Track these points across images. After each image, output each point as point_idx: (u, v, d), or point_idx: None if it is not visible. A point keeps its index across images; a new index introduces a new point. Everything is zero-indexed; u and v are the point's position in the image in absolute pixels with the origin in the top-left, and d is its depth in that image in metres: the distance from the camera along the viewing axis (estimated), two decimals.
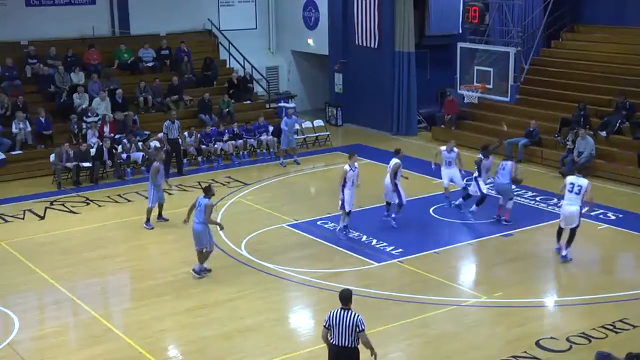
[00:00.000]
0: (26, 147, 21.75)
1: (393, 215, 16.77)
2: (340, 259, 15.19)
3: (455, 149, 17.97)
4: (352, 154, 16.44)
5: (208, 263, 14.47)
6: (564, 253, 14.81)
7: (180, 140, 21.32)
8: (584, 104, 21.98)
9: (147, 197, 19.00)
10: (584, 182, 14.79)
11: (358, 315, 9.40)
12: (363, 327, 9.37)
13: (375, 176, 19.20)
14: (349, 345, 9.40)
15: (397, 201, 16.60)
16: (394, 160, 16.58)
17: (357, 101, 26.76)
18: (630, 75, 22.78)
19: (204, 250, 14.30)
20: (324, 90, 28.71)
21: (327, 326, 9.49)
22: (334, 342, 9.49)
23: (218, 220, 17.39)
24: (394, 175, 16.47)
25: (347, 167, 16.16)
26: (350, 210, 16.23)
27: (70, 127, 22.16)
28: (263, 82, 27.75)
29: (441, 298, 13.37)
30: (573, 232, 14.77)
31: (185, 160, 21.89)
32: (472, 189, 17.47)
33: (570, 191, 14.77)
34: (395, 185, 16.52)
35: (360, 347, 9.42)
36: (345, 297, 9.51)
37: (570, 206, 14.76)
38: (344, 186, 16.08)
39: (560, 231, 15.07)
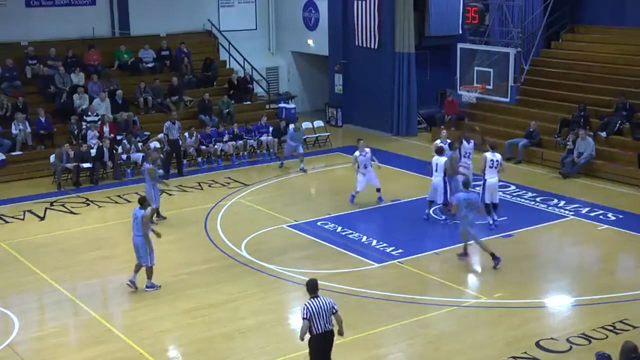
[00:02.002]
0: (26, 148, 21.76)
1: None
2: (340, 260, 15.19)
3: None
4: (359, 141, 18.07)
5: (156, 278, 13.94)
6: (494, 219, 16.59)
7: (180, 141, 21.35)
8: (584, 104, 21.98)
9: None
10: (499, 156, 16.90)
11: (329, 298, 10.00)
12: (337, 308, 9.97)
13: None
14: (330, 329, 9.93)
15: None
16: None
17: (357, 102, 26.77)
18: (630, 76, 22.79)
19: (144, 266, 13.73)
20: (324, 91, 28.71)
21: (308, 318, 9.79)
22: (318, 331, 9.84)
23: (218, 222, 17.48)
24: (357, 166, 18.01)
25: (356, 153, 17.94)
26: (359, 191, 17.98)
27: (70, 128, 22.17)
28: (263, 83, 27.77)
29: (441, 299, 13.37)
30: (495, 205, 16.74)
31: (185, 161, 21.89)
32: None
33: (492, 167, 16.62)
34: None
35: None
36: (314, 286, 10.01)
37: (493, 179, 16.64)
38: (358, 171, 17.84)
39: (489, 206, 16.53)
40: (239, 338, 12.18)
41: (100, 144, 21.08)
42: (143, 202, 13.83)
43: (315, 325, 9.80)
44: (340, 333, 10.09)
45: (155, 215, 17.23)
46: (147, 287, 13.86)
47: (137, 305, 13.53)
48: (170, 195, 19.65)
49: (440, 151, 17.24)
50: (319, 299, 9.90)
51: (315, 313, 9.79)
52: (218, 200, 19.06)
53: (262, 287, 14.04)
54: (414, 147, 23.80)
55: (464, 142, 17.95)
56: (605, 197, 18.89)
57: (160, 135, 21.48)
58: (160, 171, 21.21)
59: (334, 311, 9.93)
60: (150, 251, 13.70)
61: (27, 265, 15.20)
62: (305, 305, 9.82)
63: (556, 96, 23.71)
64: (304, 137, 24.26)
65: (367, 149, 17.99)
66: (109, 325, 12.65)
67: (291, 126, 22.28)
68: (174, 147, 21.15)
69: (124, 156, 21.36)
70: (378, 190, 18.28)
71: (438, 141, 18.52)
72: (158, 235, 14.11)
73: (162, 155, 19.79)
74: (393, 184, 19.61)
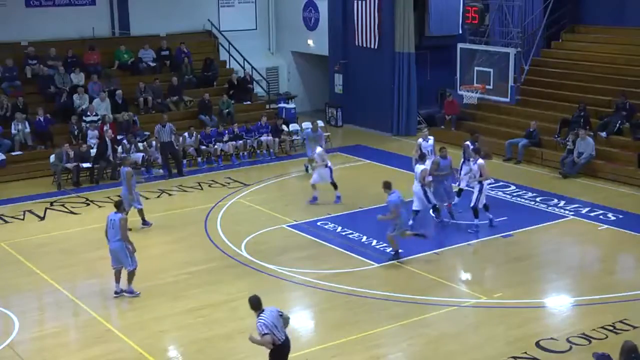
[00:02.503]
0: (26, 148, 21.76)
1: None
2: (340, 260, 15.19)
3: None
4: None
5: (135, 284, 13.73)
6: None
7: (174, 142, 21.23)
8: (584, 104, 21.98)
9: (146, 198, 19.06)
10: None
11: (271, 307, 9.94)
12: (281, 311, 9.99)
13: (374, 176, 19.23)
14: (287, 336, 9.94)
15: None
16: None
17: (357, 102, 26.76)
18: (630, 76, 22.80)
19: (128, 270, 13.50)
20: (324, 91, 28.71)
21: (269, 332, 9.64)
22: (282, 341, 9.79)
23: (218, 222, 17.49)
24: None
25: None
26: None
27: (70, 128, 22.16)
28: (263, 83, 27.76)
29: (441, 299, 13.36)
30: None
31: (184, 161, 21.89)
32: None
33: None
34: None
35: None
36: (258, 302, 9.83)
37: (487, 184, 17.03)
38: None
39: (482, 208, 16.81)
40: (238, 338, 12.16)
41: (107, 141, 20.92)
42: (119, 206, 13.64)
43: (279, 336, 9.72)
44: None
45: (141, 221, 17.04)
46: (126, 291, 13.62)
47: (137, 305, 13.53)
48: (170, 195, 19.65)
49: (422, 158, 17.00)
50: (266, 311, 9.75)
51: (276, 324, 9.73)
52: (218, 200, 19.06)
53: (262, 287, 13.99)
54: (414, 147, 23.74)
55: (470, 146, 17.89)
56: (605, 197, 18.89)
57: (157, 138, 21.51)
58: (162, 171, 21.31)
59: (281, 314, 9.91)
60: (130, 254, 13.45)
61: (27, 265, 15.20)
62: (259, 322, 9.64)
63: (556, 96, 23.71)
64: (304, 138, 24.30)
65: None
66: (109, 325, 12.65)
67: (307, 129, 21.64)
68: (169, 150, 21.06)
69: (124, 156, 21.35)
70: None
71: (420, 139, 18.94)
72: (133, 248, 13.51)
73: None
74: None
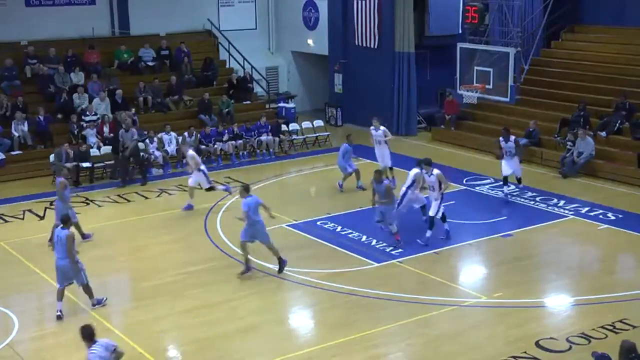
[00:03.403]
0: (25, 148, 21.74)
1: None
2: (340, 259, 15.17)
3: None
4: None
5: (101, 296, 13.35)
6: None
7: (138, 147, 20.62)
8: (584, 103, 21.97)
9: (146, 198, 19.07)
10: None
11: (106, 340, 9.54)
12: (115, 345, 9.48)
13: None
14: None
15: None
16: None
17: (357, 101, 26.74)
18: (630, 76, 22.78)
19: (81, 285, 12.93)
20: (324, 91, 28.70)
21: None
22: None
23: (218, 222, 17.47)
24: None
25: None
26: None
27: (70, 128, 22.13)
28: (263, 83, 27.75)
29: (441, 298, 13.34)
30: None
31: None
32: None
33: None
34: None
35: None
36: (90, 333, 9.44)
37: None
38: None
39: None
40: (238, 338, 12.16)
41: (140, 140, 20.71)
42: (66, 222, 12.93)
43: None
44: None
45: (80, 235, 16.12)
46: (94, 305, 13.12)
47: (136, 304, 13.53)
48: (170, 195, 19.63)
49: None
50: (97, 344, 9.33)
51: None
52: (218, 199, 19.05)
53: (261, 287, 14.03)
54: (414, 147, 23.77)
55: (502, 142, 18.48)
56: (605, 196, 18.88)
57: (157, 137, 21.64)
58: (162, 170, 21.31)
59: (113, 349, 9.38)
60: (80, 269, 12.82)
61: (27, 264, 15.19)
62: (90, 355, 9.22)
63: (556, 96, 23.69)
64: (304, 136, 24.34)
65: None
66: (108, 324, 12.63)
67: (344, 145, 19.78)
68: (131, 154, 20.50)
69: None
70: None
71: (371, 128, 19.69)
72: (78, 267, 12.86)
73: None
74: None
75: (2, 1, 24.36)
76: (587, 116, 21.72)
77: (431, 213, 15.84)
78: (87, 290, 13.09)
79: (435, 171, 15.86)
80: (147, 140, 21.65)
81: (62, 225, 12.93)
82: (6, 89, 22.90)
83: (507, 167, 18.54)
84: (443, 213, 15.99)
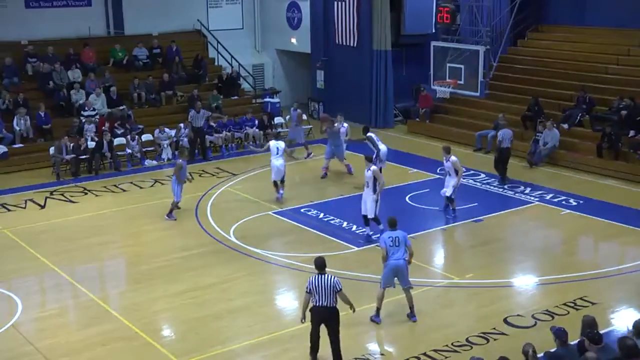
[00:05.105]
0: (27, 141, 21.57)
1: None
2: (322, 244, 15.18)
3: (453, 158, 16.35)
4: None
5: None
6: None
7: (204, 128, 21.88)
8: (534, 98, 22.04)
9: (141, 188, 18.97)
10: (281, 144, 17.71)
11: (334, 277, 10.15)
12: (340, 287, 10.17)
13: (354, 165, 19.26)
14: (331, 305, 10.17)
15: None
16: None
17: (338, 96, 26.70)
18: (589, 72, 22.94)
19: None
20: (307, 86, 28.66)
21: (308, 291, 10.14)
22: (316, 305, 10.16)
23: (208, 209, 17.44)
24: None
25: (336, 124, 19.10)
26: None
27: (72, 124, 21.85)
28: (249, 79, 27.66)
29: (416, 279, 13.35)
30: (283, 181, 17.51)
31: (176, 152, 21.79)
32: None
33: (276, 154, 17.42)
34: None
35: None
36: (321, 264, 10.22)
37: (277, 161, 17.40)
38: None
39: (275, 183, 17.50)
40: (228, 318, 12.17)
41: (108, 139, 20.75)
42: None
43: (315, 298, 10.14)
44: (352, 309, 10.48)
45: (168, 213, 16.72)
46: None
47: (132, 287, 13.49)
48: (162, 184, 19.56)
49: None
50: (323, 276, 10.11)
51: (315, 288, 10.07)
52: (208, 189, 19.01)
53: (250, 270, 14.03)
54: (391, 138, 23.76)
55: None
56: (567, 184, 19.02)
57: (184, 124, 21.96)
58: (155, 161, 21.22)
59: (337, 289, 10.12)
60: None
61: (29, 250, 15.10)
62: (309, 279, 10.16)
63: (522, 90, 23.78)
64: (288, 129, 24.30)
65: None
66: (106, 306, 12.60)
67: (343, 127, 19.73)
68: (197, 135, 21.63)
69: (128, 151, 21.23)
70: None
71: (336, 124, 19.42)
72: None
73: None
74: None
75: (3, 3, 24.10)
76: (540, 109, 21.80)
77: (369, 214, 14.94)
78: None
79: (373, 167, 14.97)
80: (129, 137, 21.57)
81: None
82: (7, 85, 22.68)
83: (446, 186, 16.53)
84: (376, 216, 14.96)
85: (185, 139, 21.87)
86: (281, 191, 17.65)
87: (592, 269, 13.88)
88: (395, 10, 25.72)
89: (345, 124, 19.99)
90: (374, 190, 14.89)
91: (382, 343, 11.56)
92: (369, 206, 14.99)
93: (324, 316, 10.22)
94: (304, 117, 22.50)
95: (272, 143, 17.79)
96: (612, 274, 13.66)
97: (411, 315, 11.89)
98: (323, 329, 10.49)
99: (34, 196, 18.63)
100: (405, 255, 11.67)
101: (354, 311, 10.49)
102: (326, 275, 10.16)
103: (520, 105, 23.10)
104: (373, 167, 15.06)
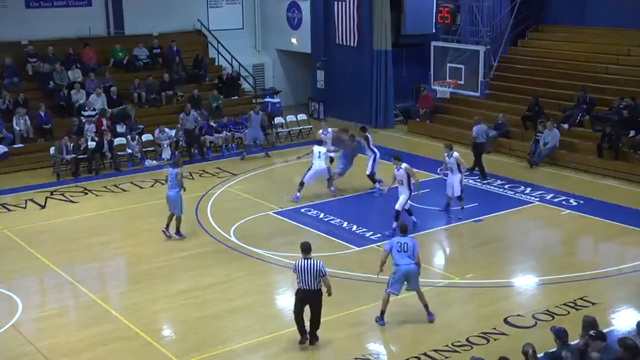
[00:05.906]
0: (27, 141, 21.55)
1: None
2: (322, 244, 15.16)
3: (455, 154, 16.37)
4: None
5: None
6: None
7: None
8: (535, 98, 22.04)
9: (141, 188, 18.96)
10: (323, 149, 17.71)
11: (320, 262, 10.58)
12: (325, 271, 10.66)
13: (354, 167, 19.23)
14: (315, 288, 10.68)
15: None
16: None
17: (338, 96, 26.71)
18: (589, 72, 22.93)
19: None
20: (307, 86, 28.64)
21: (294, 271, 10.76)
22: (302, 287, 10.64)
23: (208, 209, 17.43)
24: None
25: (319, 131, 18.97)
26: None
27: (72, 123, 21.85)
28: (250, 79, 27.65)
29: None
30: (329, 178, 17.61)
31: (177, 152, 21.78)
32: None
33: (318, 157, 17.63)
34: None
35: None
36: (306, 248, 10.75)
37: (319, 164, 17.54)
38: None
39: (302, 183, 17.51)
40: (228, 318, 12.16)
41: (108, 139, 20.75)
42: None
43: (300, 280, 10.65)
44: (329, 294, 10.79)
45: None
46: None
47: (133, 287, 13.48)
48: (162, 184, 19.52)
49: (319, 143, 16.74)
50: (308, 260, 10.55)
51: (300, 271, 10.57)
52: (208, 189, 19.00)
53: (250, 270, 14.03)
54: (391, 138, 23.83)
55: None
56: (567, 184, 19.01)
57: (178, 126, 21.94)
58: (155, 161, 21.21)
59: (322, 274, 10.60)
60: None
61: (29, 250, 15.09)
62: (295, 262, 10.74)
63: (522, 90, 23.77)
64: (288, 129, 24.34)
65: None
66: (106, 306, 12.59)
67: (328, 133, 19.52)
68: (189, 136, 21.76)
69: (128, 151, 21.21)
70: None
71: (320, 130, 19.43)
72: None
73: None
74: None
75: (3, 3, 24.08)
76: (541, 109, 21.79)
77: (397, 207, 15.24)
78: None
79: (404, 165, 15.29)
80: (130, 137, 21.57)
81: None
82: (8, 85, 22.67)
83: (449, 186, 16.62)
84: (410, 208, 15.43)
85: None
86: (332, 187, 18.06)
87: (593, 269, 13.87)
88: (395, 10, 25.71)
89: (330, 129, 19.54)
90: (409, 187, 15.17)
91: (382, 343, 11.54)
92: (401, 201, 15.25)
93: (307, 298, 10.73)
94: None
95: (315, 148, 18.02)
96: (612, 274, 13.66)
97: (428, 315, 11.77)
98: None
99: (34, 196, 18.62)
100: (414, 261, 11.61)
101: (329, 295, 10.89)
102: (311, 259, 10.59)
103: (521, 105, 23.10)
104: (404, 165, 15.22)
